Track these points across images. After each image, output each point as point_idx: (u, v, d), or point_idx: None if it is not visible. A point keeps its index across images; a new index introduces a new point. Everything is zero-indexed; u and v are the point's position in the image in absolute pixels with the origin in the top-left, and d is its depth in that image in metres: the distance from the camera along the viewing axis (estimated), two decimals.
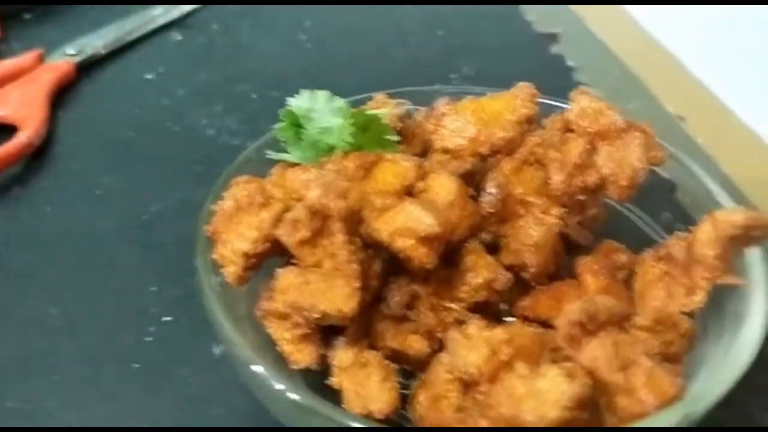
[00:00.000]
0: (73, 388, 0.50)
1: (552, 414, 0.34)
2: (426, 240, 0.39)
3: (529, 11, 0.95)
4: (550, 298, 0.44)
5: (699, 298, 0.42)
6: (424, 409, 0.41)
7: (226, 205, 0.42)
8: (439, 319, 0.42)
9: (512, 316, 0.46)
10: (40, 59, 0.80)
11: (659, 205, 0.52)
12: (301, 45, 0.89)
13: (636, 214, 0.53)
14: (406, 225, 0.39)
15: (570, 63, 0.85)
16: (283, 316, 0.41)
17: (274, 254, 0.42)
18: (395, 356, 0.43)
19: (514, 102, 0.47)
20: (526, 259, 0.44)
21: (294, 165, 0.47)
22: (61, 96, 0.78)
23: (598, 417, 0.36)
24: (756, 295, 0.41)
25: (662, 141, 0.49)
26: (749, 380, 0.39)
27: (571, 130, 0.45)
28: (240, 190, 0.43)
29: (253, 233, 0.41)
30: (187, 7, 0.93)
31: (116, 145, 0.72)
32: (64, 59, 0.81)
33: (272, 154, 0.48)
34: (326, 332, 0.43)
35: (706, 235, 0.41)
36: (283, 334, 0.42)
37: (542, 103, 0.51)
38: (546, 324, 0.42)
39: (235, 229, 0.41)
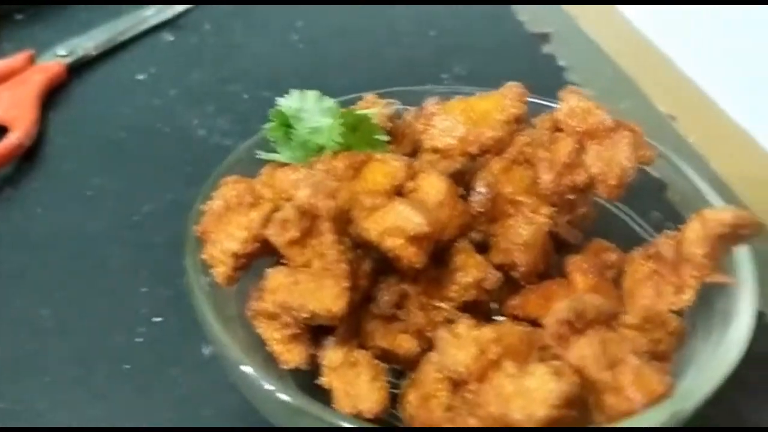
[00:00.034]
0: (64, 389, 0.50)
1: (540, 412, 0.34)
2: (415, 239, 0.39)
3: (521, 11, 0.95)
4: (539, 297, 0.44)
5: (688, 297, 0.42)
6: (413, 408, 0.41)
7: (216, 205, 0.42)
8: (429, 319, 0.42)
9: (502, 315, 0.46)
10: (31, 60, 0.80)
11: (649, 203, 0.52)
12: (294, 45, 0.89)
13: (626, 212, 0.53)
14: (396, 224, 0.39)
15: (561, 63, 0.85)
16: (272, 316, 0.41)
17: (263, 254, 0.42)
18: (385, 356, 0.43)
19: (503, 101, 0.47)
20: (516, 258, 0.44)
21: (284, 165, 0.47)
22: (52, 97, 0.78)
23: (587, 415, 0.36)
24: (744, 294, 0.42)
25: (653, 140, 0.49)
26: (738, 378, 0.39)
27: (560, 130, 0.45)
28: (229, 190, 0.43)
29: (243, 233, 0.41)
30: (179, 8, 0.93)
31: (107, 146, 0.72)
32: (55, 60, 0.81)
33: (262, 154, 0.48)
34: (316, 332, 0.43)
35: (694, 234, 0.41)
36: (272, 334, 0.42)
37: (533, 102, 0.51)
38: (535, 323, 0.42)
39: (225, 229, 0.41)
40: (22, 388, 0.50)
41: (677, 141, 0.73)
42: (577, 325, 0.37)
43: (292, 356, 0.42)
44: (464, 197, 0.45)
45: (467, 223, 0.44)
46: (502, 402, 0.35)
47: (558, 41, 0.89)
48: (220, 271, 0.42)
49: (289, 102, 0.47)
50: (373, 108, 0.49)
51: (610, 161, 0.43)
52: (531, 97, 0.51)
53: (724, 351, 0.39)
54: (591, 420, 0.37)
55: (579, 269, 0.44)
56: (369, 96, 0.52)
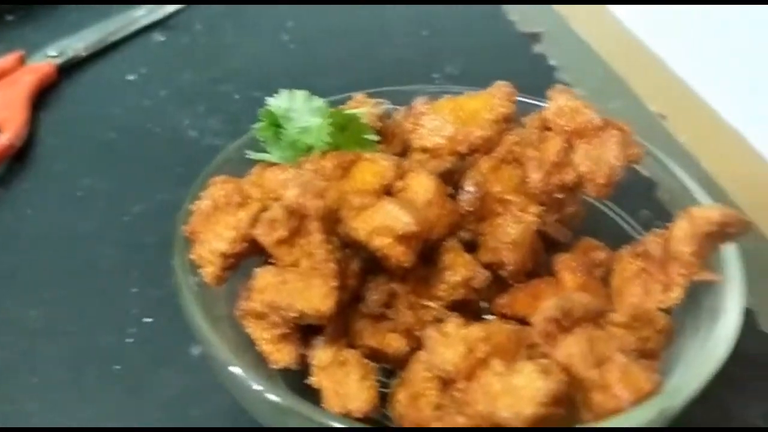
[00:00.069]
0: (53, 390, 0.50)
1: (528, 410, 0.34)
2: (403, 239, 0.39)
3: (512, 11, 0.95)
4: (527, 296, 0.44)
5: (675, 295, 0.42)
6: (403, 407, 0.41)
7: (204, 205, 0.42)
8: (418, 318, 0.42)
9: (492, 314, 0.46)
10: (22, 61, 0.80)
11: (638, 202, 0.52)
12: (285, 45, 0.89)
13: (615, 211, 0.53)
14: (384, 224, 0.39)
15: (552, 62, 0.85)
16: (261, 316, 0.41)
17: (252, 254, 0.42)
18: (374, 355, 0.43)
19: (491, 101, 0.47)
20: (504, 257, 0.44)
21: (273, 165, 0.47)
22: (42, 98, 0.78)
23: (575, 413, 0.36)
24: (731, 291, 0.42)
25: (644, 139, 0.49)
26: (726, 376, 0.40)
27: (549, 129, 0.45)
28: (217, 189, 0.42)
29: (231, 233, 0.41)
30: (170, 8, 0.93)
31: (98, 147, 0.72)
32: (45, 61, 0.81)
33: (252, 154, 0.48)
34: (305, 332, 0.43)
35: (682, 232, 0.41)
36: (262, 334, 0.42)
37: (523, 102, 0.51)
38: (524, 321, 0.42)
39: (213, 229, 0.41)
40: (11, 389, 0.50)
41: (667, 140, 0.73)
42: (565, 323, 0.37)
43: (282, 356, 0.42)
44: (453, 196, 0.45)
45: (456, 222, 0.44)
46: (489, 400, 0.35)
47: (549, 41, 0.89)
48: (209, 271, 0.42)
49: (278, 102, 0.47)
50: (363, 108, 0.49)
51: (598, 160, 0.43)
52: (521, 97, 0.51)
53: (711, 348, 0.39)
54: (579, 418, 0.37)
55: (567, 268, 0.44)
56: (358, 96, 0.52)
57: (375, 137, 0.48)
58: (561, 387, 0.34)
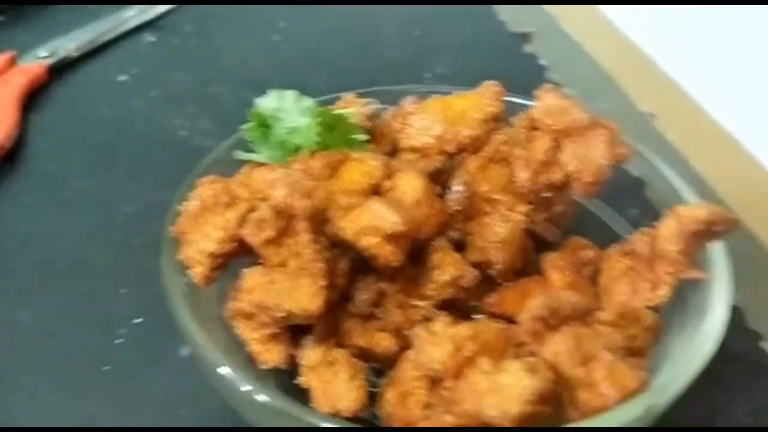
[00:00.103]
0: (43, 390, 0.50)
1: (514, 409, 0.34)
2: (391, 238, 0.40)
3: (503, 11, 0.95)
4: (516, 294, 0.44)
5: (663, 293, 0.42)
6: (391, 406, 0.41)
7: (192, 205, 0.42)
8: (407, 317, 0.43)
9: (481, 313, 0.46)
10: (12, 62, 0.80)
11: (627, 201, 0.52)
12: (276, 46, 0.89)
13: (604, 210, 0.53)
14: (372, 223, 0.39)
15: (543, 62, 0.85)
16: (249, 316, 0.41)
17: (240, 254, 0.42)
18: (363, 354, 0.43)
19: (480, 100, 0.47)
20: (492, 256, 0.44)
21: (262, 165, 0.47)
22: (32, 99, 0.77)
23: (561, 411, 0.37)
24: (718, 289, 0.42)
25: (633, 138, 0.49)
26: (714, 373, 0.40)
27: (536, 128, 0.45)
28: (205, 190, 0.43)
29: (219, 233, 0.41)
30: (160, 8, 0.92)
31: (88, 148, 0.72)
32: (36, 62, 0.81)
33: (241, 155, 0.48)
34: (295, 331, 0.43)
35: (669, 231, 0.41)
36: (251, 334, 0.42)
37: (512, 101, 0.51)
38: (512, 320, 0.42)
39: (201, 229, 0.41)
40: (1, 390, 0.50)
41: (657, 139, 0.73)
42: (552, 321, 0.37)
43: (271, 356, 0.42)
44: (441, 196, 0.45)
45: (444, 221, 0.44)
46: (476, 399, 0.35)
47: (539, 41, 0.89)
48: (197, 271, 0.42)
49: (267, 102, 0.47)
50: (351, 108, 0.49)
51: (585, 159, 0.43)
52: (511, 96, 0.51)
53: (698, 345, 0.40)
54: (565, 416, 0.37)
55: (555, 266, 0.45)
56: (347, 96, 0.52)
57: (364, 137, 0.48)
58: (547, 385, 0.34)
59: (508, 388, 0.34)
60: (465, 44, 0.89)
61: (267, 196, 0.40)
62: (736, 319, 0.54)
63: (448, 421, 0.37)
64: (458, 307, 0.44)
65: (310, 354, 0.42)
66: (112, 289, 0.57)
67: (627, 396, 0.36)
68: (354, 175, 0.43)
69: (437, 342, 0.37)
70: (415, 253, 0.43)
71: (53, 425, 0.48)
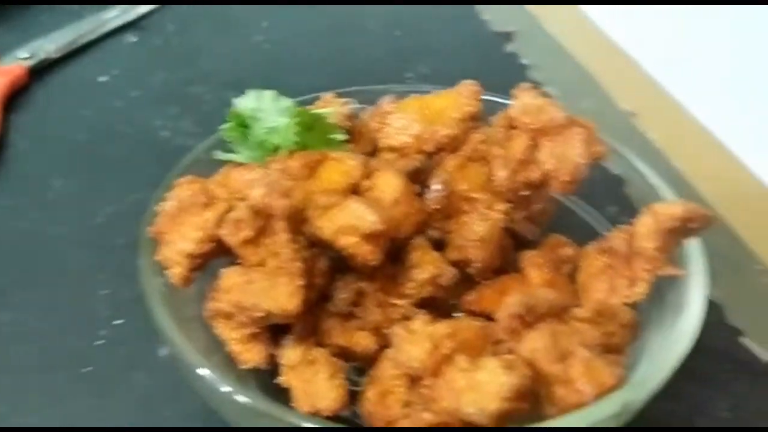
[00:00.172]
0: (24, 392, 0.50)
1: (492, 406, 0.34)
2: (370, 237, 0.40)
3: (485, 10, 0.95)
4: (495, 292, 0.44)
5: (641, 290, 0.42)
6: (371, 405, 0.41)
7: (169, 205, 0.42)
8: (386, 316, 0.43)
9: (461, 311, 0.46)
10: None
11: (606, 199, 0.53)
12: (259, 46, 0.89)
13: (584, 209, 0.53)
14: (349, 222, 0.39)
15: (524, 61, 0.85)
16: (228, 316, 0.41)
17: (219, 254, 0.42)
18: (343, 353, 0.43)
19: (458, 99, 0.47)
20: (471, 254, 0.44)
21: (241, 165, 0.47)
22: (13, 100, 0.77)
23: (539, 408, 0.37)
24: (694, 285, 0.42)
25: (614, 137, 0.50)
26: (694, 370, 0.40)
27: (514, 127, 0.45)
28: (183, 190, 0.43)
29: (197, 233, 0.41)
30: (142, 9, 0.92)
31: (69, 148, 0.72)
32: (16, 63, 0.80)
33: (220, 155, 0.48)
34: (275, 331, 0.43)
35: (645, 228, 0.42)
36: (231, 334, 0.42)
37: (493, 101, 0.51)
38: (491, 317, 0.42)
39: (179, 229, 0.41)
40: None
41: (638, 138, 0.74)
42: (529, 319, 0.37)
43: (251, 356, 0.42)
44: (420, 195, 0.45)
45: (423, 220, 0.44)
46: (454, 396, 0.35)
47: (521, 40, 0.90)
48: (176, 272, 0.42)
49: (245, 102, 0.47)
50: (330, 107, 0.49)
51: (562, 158, 0.43)
52: (491, 96, 0.51)
53: (675, 342, 0.40)
54: (543, 412, 0.37)
55: (534, 264, 0.45)
56: (326, 95, 0.52)
57: (342, 137, 0.48)
58: (524, 382, 0.34)
59: (485, 385, 0.34)
60: (447, 44, 0.90)
61: (245, 196, 0.41)
62: (716, 316, 0.55)
63: (427, 419, 0.38)
64: (438, 306, 0.44)
65: (290, 353, 0.42)
66: (93, 290, 0.57)
67: (604, 392, 0.36)
68: (332, 174, 0.43)
69: (415, 340, 0.37)
70: (394, 252, 0.43)
71: (34, 426, 0.48)
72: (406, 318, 0.42)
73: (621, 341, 0.41)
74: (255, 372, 0.43)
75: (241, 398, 0.37)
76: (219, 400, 0.39)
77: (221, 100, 0.76)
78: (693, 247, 0.44)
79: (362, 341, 0.43)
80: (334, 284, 0.43)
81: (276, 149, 0.46)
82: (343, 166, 0.44)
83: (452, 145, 0.47)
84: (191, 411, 0.48)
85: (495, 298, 0.44)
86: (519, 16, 0.95)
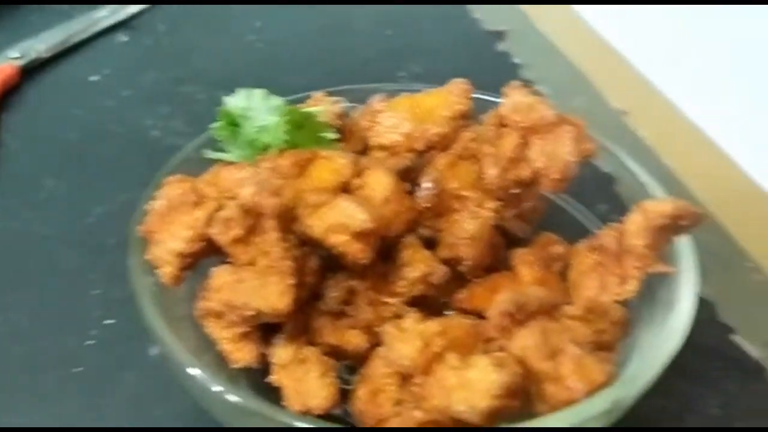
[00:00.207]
0: (14, 392, 0.50)
1: (482, 403, 0.34)
2: (360, 235, 0.40)
3: (477, 9, 0.95)
4: (486, 290, 0.44)
5: (631, 287, 0.42)
6: (362, 403, 0.41)
7: (159, 204, 0.42)
8: (377, 314, 0.43)
9: (452, 309, 0.46)
10: None
11: (598, 197, 0.53)
12: (251, 45, 0.89)
13: (575, 207, 0.53)
14: (340, 221, 0.39)
15: (516, 60, 0.85)
16: (219, 315, 0.41)
17: (209, 254, 0.42)
18: (334, 352, 0.43)
19: (448, 98, 0.47)
20: (462, 252, 0.44)
21: (231, 164, 0.47)
22: (4, 99, 0.77)
23: (530, 405, 0.37)
24: (685, 282, 0.42)
25: (606, 135, 0.50)
26: (686, 367, 0.40)
27: (505, 125, 0.45)
28: (172, 189, 0.42)
29: (187, 232, 0.41)
30: (133, 8, 0.92)
31: (60, 148, 0.71)
32: (7, 62, 0.80)
33: (210, 154, 0.48)
34: (266, 330, 0.43)
35: (635, 226, 0.42)
36: (221, 333, 0.42)
37: (484, 99, 0.51)
38: (482, 315, 0.42)
39: (169, 228, 0.41)
40: None
41: (629, 136, 0.74)
42: (519, 316, 0.37)
43: (242, 355, 0.42)
44: (411, 193, 0.45)
45: (414, 218, 0.44)
46: (445, 394, 0.35)
47: (513, 39, 0.90)
48: (166, 271, 0.41)
49: (236, 101, 0.47)
50: (320, 106, 0.49)
51: (553, 155, 0.43)
52: (482, 94, 0.51)
53: (665, 338, 0.40)
54: (534, 410, 0.37)
55: (524, 262, 0.45)
56: (317, 94, 0.52)
57: (333, 135, 0.48)
58: (515, 379, 0.34)
59: (476, 383, 0.34)
60: (439, 42, 0.90)
61: (235, 194, 0.40)
62: (707, 313, 0.55)
63: (418, 417, 0.38)
64: (429, 304, 0.44)
65: (281, 352, 0.42)
66: (84, 290, 0.56)
67: (594, 389, 0.36)
68: (323, 173, 0.43)
69: (406, 338, 0.37)
70: (385, 251, 0.43)
71: (25, 426, 0.48)
72: (398, 316, 0.42)
73: (612, 338, 0.41)
74: (246, 371, 0.43)
75: (232, 397, 0.37)
76: (210, 399, 0.39)
77: (213, 100, 0.76)
78: (683, 244, 0.44)
79: (353, 340, 0.43)
80: (325, 283, 0.43)
81: (266, 148, 0.46)
82: (333, 164, 0.44)
83: (443, 144, 0.47)
84: (182, 410, 0.48)
85: (486, 296, 0.44)
86: (511, 15, 0.95)
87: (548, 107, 0.44)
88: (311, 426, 0.37)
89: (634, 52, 0.86)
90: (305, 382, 0.41)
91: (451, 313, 0.45)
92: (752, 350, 0.53)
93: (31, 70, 0.81)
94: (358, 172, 0.44)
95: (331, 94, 0.53)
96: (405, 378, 0.39)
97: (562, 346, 0.37)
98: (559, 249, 0.48)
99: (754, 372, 0.52)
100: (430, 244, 0.45)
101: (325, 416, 0.40)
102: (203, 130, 0.51)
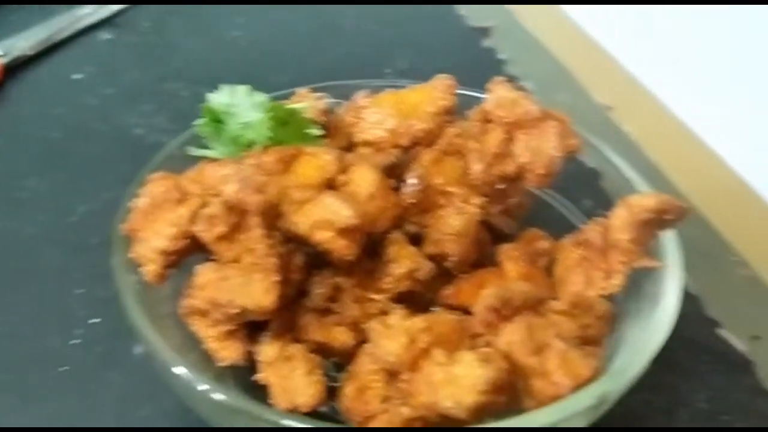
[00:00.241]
0: None
1: (468, 399, 0.34)
2: (345, 232, 0.39)
3: (462, 5, 0.95)
4: (472, 286, 0.44)
5: (616, 282, 0.42)
6: (350, 400, 0.41)
7: (142, 202, 0.42)
8: (364, 311, 0.42)
9: (439, 305, 0.46)
10: None
11: (583, 193, 0.53)
12: (235, 42, 0.89)
13: (561, 202, 0.54)
14: (324, 217, 0.39)
15: (501, 56, 0.85)
16: (204, 313, 0.41)
17: (194, 251, 0.42)
18: (321, 349, 0.43)
19: (432, 93, 0.47)
20: (448, 248, 0.44)
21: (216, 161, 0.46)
22: None
23: (518, 401, 0.37)
24: (670, 277, 0.42)
25: (590, 131, 0.50)
26: (674, 361, 0.40)
27: (489, 121, 0.45)
28: (156, 186, 0.42)
29: (171, 230, 0.40)
30: (116, 6, 0.91)
31: (43, 147, 0.71)
32: None
33: (194, 151, 0.48)
34: (252, 328, 0.42)
35: (620, 220, 0.42)
36: (207, 332, 0.42)
37: (469, 95, 0.51)
38: (469, 311, 0.42)
39: (152, 226, 0.41)
40: None
41: (614, 131, 0.74)
42: (505, 312, 0.37)
43: (228, 353, 0.42)
44: (396, 189, 0.45)
45: (399, 214, 0.44)
46: (432, 390, 0.35)
47: (498, 35, 0.90)
48: (150, 269, 0.41)
49: (219, 97, 0.47)
50: (305, 102, 0.49)
51: (537, 151, 0.43)
52: (467, 90, 0.51)
53: (651, 333, 0.40)
54: (522, 405, 0.37)
55: (510, 257, 0.45)
56: (301, 90, 0.52)
57: (317, 131, 0.48)
58: (501, 375, 0.34)
59: (462, 378, 0.34)
60: (425, 39, 0.90)
61: (219, 192, 0.40)
62: (693, 307, 0.56)
63: (405, 413, 0.38)
64: (416, 300, 0.44)
65: (267, 350, 0.41)
66: (68, 289, 0.56)
67: (580, 384, 0.36)
68: (307, 169, 0.43)
69: (392, 335, 0.37)
70: (371, 247, 0.43)
71: (9, 426, 0.47)
72: (384, 313, 0.42)
73: (597, 333, 0.41)
74: (232, 369, 0.43)
75: (218, 396, 0.37)
76: (196, 398, 0.39)
77: (197, 97, 0.75)
78: (668, 239, 0.44)
79: (340, 337, 0.42)
80: (311, 280, 0.42)
81: (250, 145, 0.45)
82: (318, 160, 0.43)
83: (427, 139, 0.47)
84: (168, 409, 0.48)
85: (472, 292, 0.44)
86: (496, 11, 0.95)
87: (532, 102, 0.44)
88: (298, 425, 0.36)
89: (618, 47, 0.86)
90: (292, 379, 0.41)
91: (437, 309, 0.45)
92: (738, 344, 0.54)
93: (14, 68, 0.81)
94: (343, 169, 0.44)
95: (315, 90, 0.53)
96: (392, 375, 0.39)
97: (548, 341, 0.37)
98: (544, 244, 0.48)
99: (741, 366, 0.52)
100: (416, 240, 0.45)
101: (313, 414, 0.40)
102: (187, 127, 0.51)
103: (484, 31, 0.90)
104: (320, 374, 0.41)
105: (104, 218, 0.61)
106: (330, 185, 0.43)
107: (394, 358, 0.37)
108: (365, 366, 0.41)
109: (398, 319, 0.39)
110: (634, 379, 0.38)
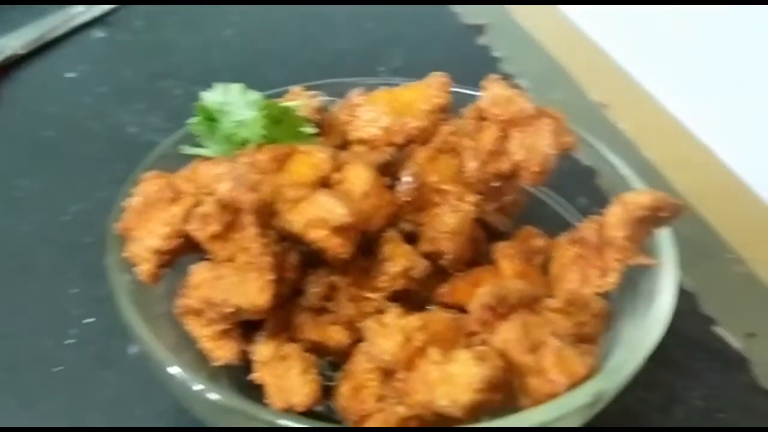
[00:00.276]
0: None
1: (464, 397, 0.34)
2: (339, 230, 0.39)
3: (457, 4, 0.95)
4: (467, 284, 0.44)
5: (612, 280, 0.42)
6: (345, 399, 0.41)
7: (136, 201, 0.42)
8: (359, 310, 0.42)
9: (434, 303, 0.46)
10: None
11: (578, 190, 0.53)
12: (228, 40, 0.88)
13: (556, 200, 0.53)
14: (319, 216, 0.39)
15: (496, 54, 0.85)
16: (199, 313, 0.40)
17: (188, 250, 0.41)
18: (316, 348, 0.42)
19: (426, 91, 0.47)
20: (443, 246, 0.44)
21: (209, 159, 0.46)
22: None
23: (514, 399, 0.37)
24: (666, 274, 0.42)
25: (585, 128, 0.50)
26: (669, 359, 0.40)
27: (484, 119, 0.45)
28: (149, 185, 0.42)
29: (164, 229, 0.40)
30: (109, 4, 0.91)
31: (36, 146, 0.71)
32: None
33: (187, 149, 0.47)
34: (247, 327, 0.42)
35: (615, 218, 0.42)
36: (202, 331, 0.42)
37: (464, 93, 0.51)
38: (464, 309, 0.42)
39: (146, 225, 0.41)
40: None
41: (609, 128, 0.74)
42: (500, 309, 0.37)
43: (223, 352, 0.42)
44: (391, 187, 0.44)
45: (394, 212, 0.44)
46: (428, 389, 0.35)
47: (493, 33, 0.90)
48: (144, 268, 0.41)
49: (213, 96, 0.47)
50: (299, 100, 0.49)
51: (532, 148, 0.43)
52: (462, 88, 0.51)
53: (647, 330, 0.40)
54: (518, 403, 0.37)
55: (505, 255, 0.45)
56: (295, 88, 0.52)
57: (311, 130, 0.47)
58: (496, 373, 0.34)
59: (457, 377, 0.34)
60: (419, 36, 0.89)
61: (213, 190, 0.40)
62: (689, 305, 0.56)
63: (401, 412, 0.37)
64: (411, 299, 0.44)
65: (262, 349, 0.41)
66: (63, 288, 0.56)
67: (576, 382, 0.36)
68: (301, 167, 0.43)
69: (387, 334, 0.37)
70: (366, 246, 0.43)
71: (4, 427, 0.47)
72: (379, 311, 0.42)
73: (593, 331, 0.41)
74: (227, 369, 0.42)
75: (213, 396, 0.37)
76: (191, 398, 0.38)
77: (190, 95, 0.75)
78: (664, 236, 0.44)
79: (335, 336, 0.42)
80: (306, 278, 0.42)
81: (244, 143, 0.45)
82: (312, 159, 0.43)
83: (422, 137, 0.46)
84: (163, 409, 0.48)
85: (468, 290, 0.44)
86: (491, 9, 0.95)
87: (527, 100, 0.44)
88: (294, 424, 0.36)
89: (613, 45, 0.86)
90: (287, 379, 0.40)
91: (432, 307, 0.45)
92: (734, 341, 0.54)
93: (7, 68, 0.80)
94: (338, 167, 0.43)
95: (309, 88, 0.53)
96: (387, 373, 0.39)
97: (544, 339, 0.36)
98: (540, 242, 0.48)
99: (737, 363, 0.52)
100: (411, 238, 0.45)
101: (308, 413, 0.40)
102: (180, 125, 0.50)
103: (478, 29, 0.90)
104: (315, 373, 0.41)
105: (98, 217, 0.60)
106: (324, 183, 0.43)
107: (389, 356, 0.37)
108: (361, 365, 0.40)
109: (393, 317, 0.38)
110: (629, 376, 0.38)
